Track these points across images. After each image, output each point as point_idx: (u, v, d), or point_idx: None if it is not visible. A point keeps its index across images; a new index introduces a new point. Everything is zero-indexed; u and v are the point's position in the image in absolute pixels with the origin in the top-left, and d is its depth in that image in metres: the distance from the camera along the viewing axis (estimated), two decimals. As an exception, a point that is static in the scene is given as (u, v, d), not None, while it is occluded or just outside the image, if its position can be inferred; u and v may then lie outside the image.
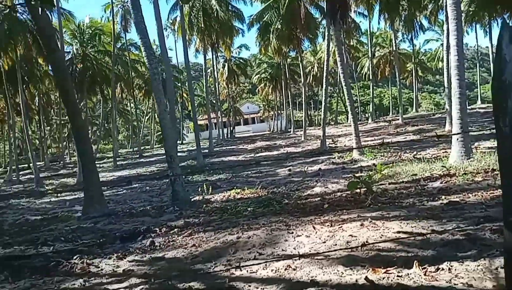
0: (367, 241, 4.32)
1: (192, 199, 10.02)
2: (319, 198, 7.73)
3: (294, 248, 4.46)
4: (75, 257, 5.25)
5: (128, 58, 39.11)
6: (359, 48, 49.89)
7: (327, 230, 4.98)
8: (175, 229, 6.44)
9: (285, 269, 3.76)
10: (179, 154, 25.52)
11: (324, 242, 4.51)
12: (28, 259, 5.57)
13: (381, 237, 4.41)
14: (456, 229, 4.35)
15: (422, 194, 6.75)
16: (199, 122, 45.70)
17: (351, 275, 3.41)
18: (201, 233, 5.94)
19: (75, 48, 37.68)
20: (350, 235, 4.59)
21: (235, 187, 11.24)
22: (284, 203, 7.60)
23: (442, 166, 8.83)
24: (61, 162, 38.10)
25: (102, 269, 4.74)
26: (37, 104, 38.42)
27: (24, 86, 30.23)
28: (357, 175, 9.67)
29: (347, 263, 3.68)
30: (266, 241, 4.86)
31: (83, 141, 9.26)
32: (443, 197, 6.25)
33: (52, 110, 46.91)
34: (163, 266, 4.56)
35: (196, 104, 50.61)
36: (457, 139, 9.31)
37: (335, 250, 4.15)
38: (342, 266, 3.62)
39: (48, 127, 49.64)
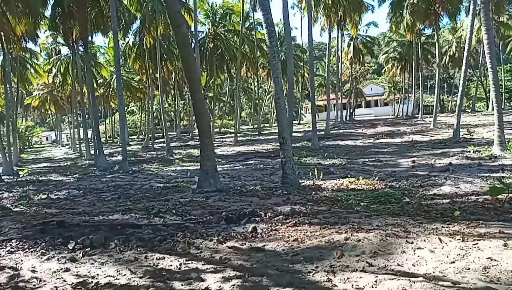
0: (513, 271, 3.33)
1: (302, 184, 9.60)
2: (448, 201, 6.58)
3: (413, 265, 3.68)
4: (178, 235, 5.26)
5: (254, 37, 39.91)
6: (510, 25, 42.64)
7: (457, 246, 4.04)
8: (280, 216, 6.09)
9: (400, 293, 3.06)
10: (294, 134, 25.51)
11: (453, 262, 3.63)
12: (139, 229, 5.79)
13: (534, 268, 3.36)
14: None
15: None
16: (318, 103, 45.00)
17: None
18: (306, 225, 5.47)
19: (207, 27, 39.91)
20: (489, 258, 3.61)
21: (348, 175, 10.47)
22: (405, 202, 6.64)
23: None
24: (190, 133, 41.35)
25: (201, 252, 4.62)
26: (173, 80, 41.94)
27: (162, 62, 33.18)
28: (500, 177, 8.08)
29: (484, 300, 2.82)
30: (379, 249, 4.15)
31: (201, 116, 9.47)
32: None
33: (186, 86, 51.05)
34: (261, 259, 4.22)
35: (316, 84, 49.89)
36: None
37: (467, 278, 3.28)
38: (478, 304, 2.78)
39: (182, 101, 54.17)
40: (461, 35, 42.02)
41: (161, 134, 39.78)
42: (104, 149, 20.97)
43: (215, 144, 27.66)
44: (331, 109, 38.61)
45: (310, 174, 10.61)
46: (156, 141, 34.99)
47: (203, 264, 4.16)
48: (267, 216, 6.19)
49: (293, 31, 50.98)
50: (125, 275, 4.00)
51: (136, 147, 34.62)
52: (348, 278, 3.48)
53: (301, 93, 55.22)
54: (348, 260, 3.93)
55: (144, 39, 30.08)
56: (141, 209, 7.40)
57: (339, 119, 41.50)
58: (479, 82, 49.68)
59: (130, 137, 48.27)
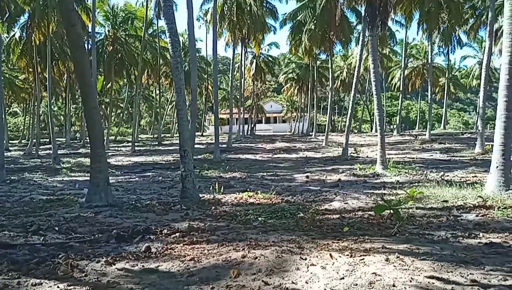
0: (394, 285, 3.61)
1: (202, 198, 9.45)
2: (338, 216, 7.00)
3: (307, 282, 3.77)
4: (61, 256, 4.70)
5: (158, 44, 38.92)
6: (391, 57, 48.41)
7: (346, 261, 4.26)
8: (177, 234, 5.84)
9: (293, 313, 3.09)
10: (197, 146, 25.29)
11: (342, 278, 3.81)
12: (13, 249, 5.06)
13: (411, 281, 3.68)
14: (504, 285, 3.58)
15: (455, 227, 5.95)
16: (221, 116, 45.41)
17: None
18: (204, 243, 5.32)
19: (107, 29, 37.80)
20: (373, 273, 3.87)
21: (248, 189, 10.64)
22: (299, 217, 6.89)
23: (479, 196, 7.94)
24: (82, 140, 38.35)
25: (86, 275, 4.16)
26: (65, 82, 38.64)
27: (53, 62, 30.37)
28: (381, 194, 8.90)
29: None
30: (274, 266, 4.18)
31: (94, 124, 8.77)
32: (481, 234, 5.44)
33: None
34: (153, 282, 3.95)
35: (220, 98, 50.39)
36: (497, 167, 8.40)
37: (355, 293, 3.46)
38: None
39: (74, 105, 50.13)
40: (351, 63, 46.40)
41: (47, 140, 36.18)
42: (-25, 154, 18.23)
43: (110, 153, 26.07)
44: (234, 123, 39.21)
45: (211, 188, 10.53)
46: (41, 147, 31.69)
47: (87, 290, 3.75)
48: (163, 234, 5.89)
49: (198, 43, 50.92)
50: (-11, 307, 3.42)
51: (17, 153, 30.90)
52: (244, 299, 3.43)
53: (205, 105, 55.22)
54: (245, 279, 3.88)
55: (33, 35, 27.25)
56: (18, 225, 6.49)
57: (240, 133, 42.37)
58: (365, 106, 55.14)
59: (10, 142, 42.91)
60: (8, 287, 3.83)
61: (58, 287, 3.80)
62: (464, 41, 40.21)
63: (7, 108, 49.23)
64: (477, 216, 6.58)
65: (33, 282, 3.93)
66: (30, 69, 31.42)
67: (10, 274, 4.19)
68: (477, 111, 35.26)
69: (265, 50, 48.38)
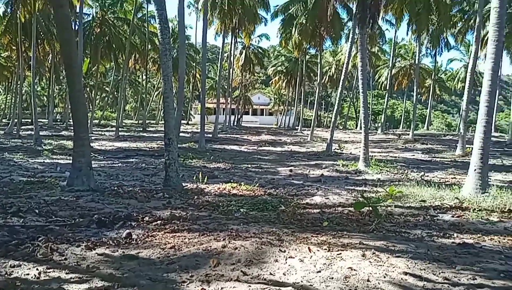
0: (368, 280, 3.73)
1: (185, 187, 9.46)
2: (318, 210, 7.12)
3: (284, 274, 3.86)
4: (40, 238, 4.69)
5: (146, 29, 38.37)
6: (380, 56, 48.79)
7: (323, 255, 4.37)
8: (158, 221, 5.87)
9: (270, 303, 3.17)
10: (182, 134, 25.16)
11: (319, 271, 3.91)
12: (-9, 231, 5.02)
13: (384, 277, 3.81)
14: (473, 284, 3.74)
15: (431, 226, 6.12)
16: (207, 106, 45.18)
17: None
18: (185, 231, 5.37)
19: (95, 11, 37.07)
20: (349, 268, 3.99)
21: (232, 180, 10.67)
22: (280, 210, 6.99)
23: (456, 197, 8.16)
24: (65, 122, 37.70)
25: (66, 259, 4.18)
26: (49, 62, 37.81)
27: (38, 41, 29.69)
28: (362, 191, 9.06)
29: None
30: (254, 257, 4.26)
31: (78, 107, 8.66)
32: (455, 234, 5.62)
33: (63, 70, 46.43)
34: (133, 268, 3.98)
35: (207, 87, 50.01)
36: (475, 169, 8.63)
37: (331, 286, 3.56)
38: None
39: (58, 86, 49.16)
40: (340, 59, 46.54)
41: (29, 120, 35.45)
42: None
43: (93, 137, 25.74)
44: (220, 113, 39.10)
45: (194, 177, 10.54)
46: (23, 127, 31.04)
47: (66, 273, 3.76)
48: (145, 221, 5.92)
49: (187, 30, 50.29)
50: (-35, 287, 3.41)
51: (-3, 133, 30.27)
52: (222, 288, 3.49)
53: (192, 94, 54.80)
54: (224, 269, 3.95)
55: (18, 11, 26.54)
56: (-4, 206, 6.44)
57: (227, 124, 42.28)
58: (351, 103, 55.59)
59: (-10, 121, 41.97)
60: (-14, 268, 3.82)
61: (37, 269, 3.81)
62: (451, 44, 40.79)
63: (-12, 86, 48.02)
64: (452, 216, 6.77)
65: (11, 264, 3.93)
66: (14, 47, 30.66)
67: (-12, 255, 4.17)
68: (460, 113, 35.96)
69: (255, 42, 48.32)
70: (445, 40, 39.12)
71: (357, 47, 17.64)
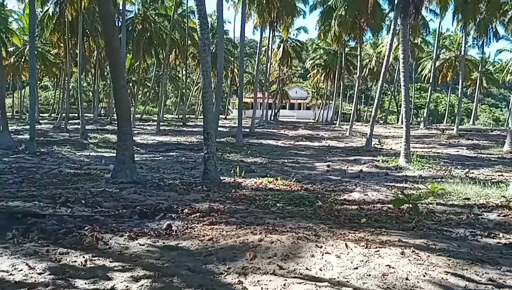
0: (407, 278, 3.66)
1: (223, 180, 9.61)
2: (356, 207, 7.03)
3: (320, 269, 3.87)
4: (86, 228, 4.95)
5: (186, 25, 39.04)
6: (423, 47, 46.98)
7: (361, 252, 4.33)
8: (197, 214, 6.02)
9: (306, 298, 3.19)
10: (220, 128, 25.49)
11: (356, 268, 3.88)
12: (43, 219, 5.35)
13: (424, 276, 3.72)
14: (520, 286, 3.58)
15: (475, 225, 5.89)
16: (245, 100, 45.28)
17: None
18: (223, 224, 5.48)
19: (137, 8, 38.15)
20: (387, 266, 3.93)
21: (268, 175, 10.73)
22: (317, 205, 6.96)
23: (502, 196, 7.79)
24: (109, 117, 39.21)
25: (110, 248, 4.39)
26: (95, 58, 39.39)
27: (84, 38, 30.99)
28: (402, 188, 8.84)
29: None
30: (290, 252, 4.29)
31: (122, 102, 8.99)
32: (501, 234, 5.38)
33: (108, 67, 48.17)
34: (173, 258, 4.13)
35: (245, 82, 50.26)
36: (524, 167, 8.18)
37: (368, 284, 3.52)
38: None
39: (103, 82, 51.08)
40: (381, 51, 45.31)
41: (76, 115, 37.17)
42: (9, 125, 19.02)
43: (135, 131, 26.59)
44: (257, 107, 39.22)
45: (232, 171, 10.68)
46: (70, 122, 32.62)
47: (111, 262, 3.96)
48: (184, 213, 6.09)
49: (226, 25, 50.75)
50: (21, 270, 3.66)
51: (47, 127, 31.94)
52: (258, 281, 3.55)
53: (230, 88, 55.28)
54: (260, 262, 4.01)
55: (66, 10, 27.82)
56: (47, 196, 6.83)
57: (264, 118, 42.37)
58: (392, 97, 54.00)
59: (41, 115, 44.37)
60: (38, 254, 4.10)
61: (83, 257, 4.03)
62: (501, 33, 38.61)
63: (38, 82, 50.62)
64: (498, 216, 6.48)
65: (60, 251, 4.18)
66: (62, 44, 32.18)
67: (39, 242, 4.47)
68: (510, 107, 34.07)
69: (293, 35, 47.85)
70: (494, 29, 37.07)
71: (399, 38, 17.06)
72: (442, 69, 46.00)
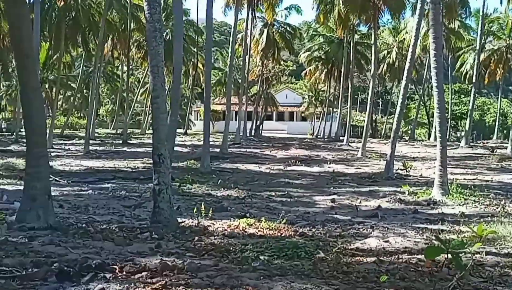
0: None
1: (182, 224, 9.57)
2: (373, 259, 7.06)
3: None
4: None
5: (129, 2, 39.33)
6: (462, 34, 48.40)
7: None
8: (144, 273, 5.92)
9: None
10: (177, 148, 25.46)
11: None
12: None
13: None
14: None
15: (541, 282, 5.99)
16: (214, 108, 45.68)
17: None
18: (182, 287, 5.40)
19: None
20: None
21: (248, 214, 10.76)
22: (318, 258, 6.97)
23: None
24: (15, 133, 38.66)
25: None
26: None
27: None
28: (438, 231, 8.93)
29: None
30: (279, 328, 4.25)
31: (33, 111, 8.84)
32: None
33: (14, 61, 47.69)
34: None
35: (214, 82, 50.65)
36: None
37: None
38: None
39: (7, 83, 50.42)
40: (404, 39, 46.50)
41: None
42: None
43: (54, 153, 26.31)
44: (232, 118, 39.41)
45: (195, 210, 10.62)
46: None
47: None
48: (124, 272, 5.99)
49: (185, 2, 51.31)
50: None
51: None
52: None
53: (192, 91, 55.56)
54: None
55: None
56: None
57: (241, 133, 42.47)
58: (421, 103, 55.17)
59: None
60: None
61: None
62: None
63: None
64: None
65: None
66: None
67: None
68: None
69: (281, 16, 48.67)
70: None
71: (428, 22, 17.53)
72: (490, 64, 47.36)
